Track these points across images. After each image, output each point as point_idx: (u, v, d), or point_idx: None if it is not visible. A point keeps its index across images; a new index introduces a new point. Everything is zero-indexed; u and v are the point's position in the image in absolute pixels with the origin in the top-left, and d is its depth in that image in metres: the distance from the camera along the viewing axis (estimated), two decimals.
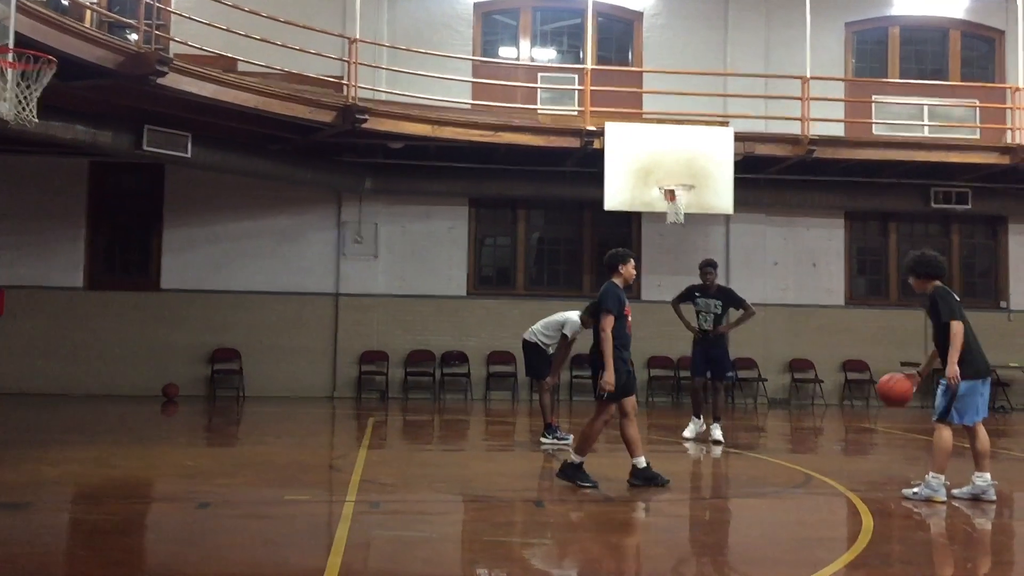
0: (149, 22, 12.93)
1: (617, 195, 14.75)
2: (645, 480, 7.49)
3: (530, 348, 10.37)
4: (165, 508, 6.90)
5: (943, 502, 7.06)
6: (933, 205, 16.81)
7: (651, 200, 14.80)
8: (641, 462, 7.54)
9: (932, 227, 18.03)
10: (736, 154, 15.00)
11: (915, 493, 7.20)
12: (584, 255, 17.18)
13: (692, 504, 7.15)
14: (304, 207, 16.42)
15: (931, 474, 7.13)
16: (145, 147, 13.27)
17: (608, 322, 7.39)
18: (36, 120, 8.97)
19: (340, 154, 16.00)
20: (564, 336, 10.11)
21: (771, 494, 7.70)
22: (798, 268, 17.34)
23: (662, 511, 7.11)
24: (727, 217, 16.32)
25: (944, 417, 7.11)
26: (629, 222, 16.90)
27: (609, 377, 7.32)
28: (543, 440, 10.19)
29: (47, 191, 15.74)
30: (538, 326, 10.40)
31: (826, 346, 17.06)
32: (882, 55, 17.74)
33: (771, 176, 16.47)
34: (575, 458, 7.53)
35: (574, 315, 10.08)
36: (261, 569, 5.06)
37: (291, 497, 6.97)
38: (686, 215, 14.80)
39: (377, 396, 16.18)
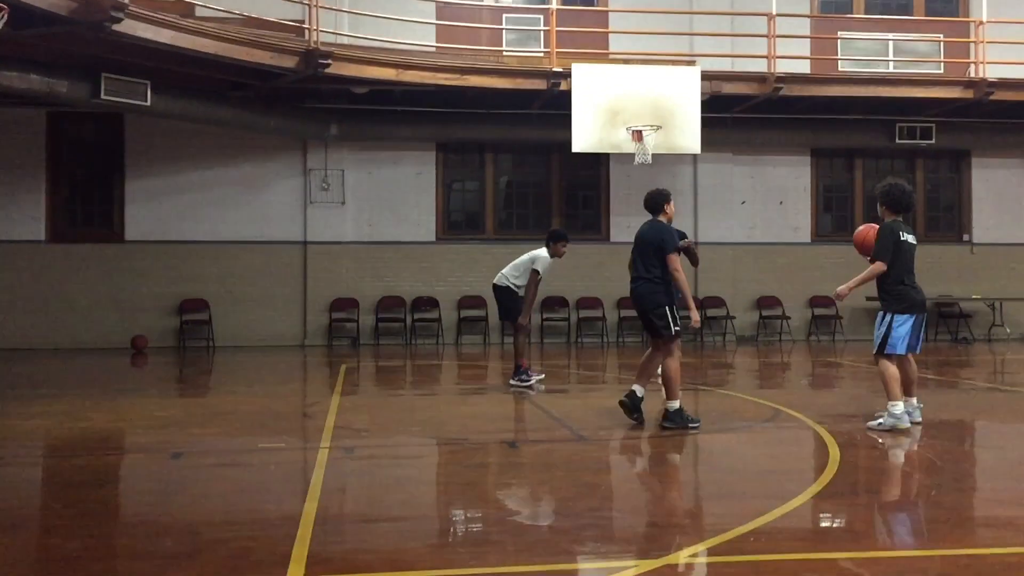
0: None
1: (585, 137, 14.70)
2: (678, 422, 7.43)
3: (502, 292, 10.42)
4: (138, 459, 6.89)
5: (906, 428, 7.28)
6: (898, 141, 16.92)
7: (619, 141, 14.77)
8: (675, 405, 7.50)
9: (897, 163, 18.16)
10: (703, 93, 14.98)
11: (879, 424, 7.39)
12: (553, 198, 17.16)
13: (663, 441, 7.26)
14: (269, 155, 16.22)
15: (889, 403, 7.34)
16: (103, 96, 13.01)
17: (676, 260, 7.53)
18: None
19: (304, 100, 15.77)
20: (535, 272, 10.12)
21: (740, 429, 7.82)
22: (765, 206, 17.43)
23: (634, 449, 7.21)
24: (694, 157, 16.36)
25: (882, 350, 7.37)
26: (597, 164, 16.88)
27: (695, 315, 7.73)
28: (512, 382, 10.26)
29: (4, 143, 15.44)
30: (507, 269, 10.47)
31: (793, 283, 17.26)
32: None
33: (738, 115, 16.46)
34: (673, 404, 7.48)
35: (542, 251, 10.16)
36: (237, 516, 5.08)
37: (265, 445, 6.99)
38: (654, 155, 14.81)
39: (348, 343, 16.19)
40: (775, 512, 4.94)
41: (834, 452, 6.54)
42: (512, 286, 10.35)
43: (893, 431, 7.25)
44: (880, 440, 7.09)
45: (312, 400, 10.12)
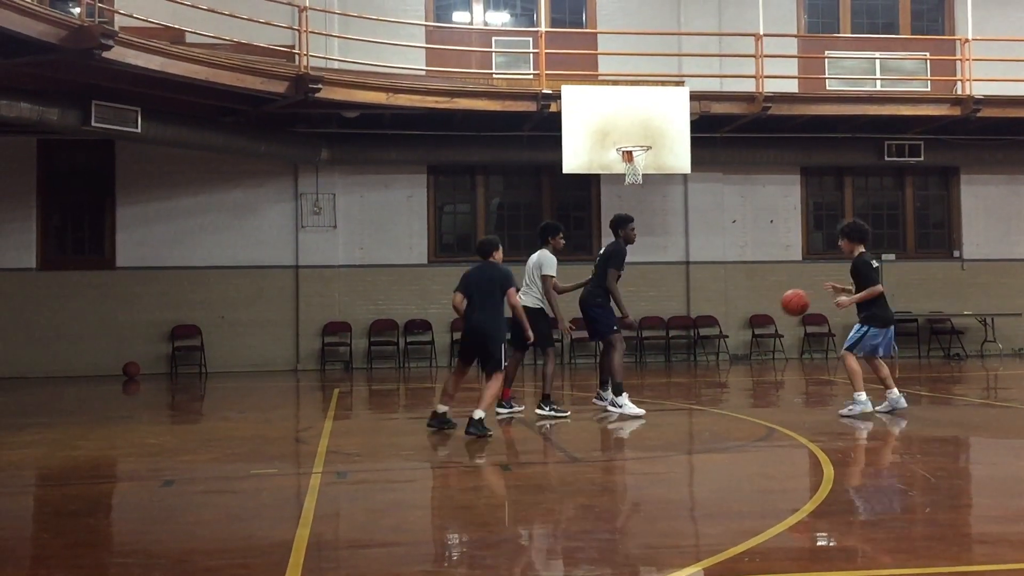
0: None
1: (575, 158, 14.75)
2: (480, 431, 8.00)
3: (533, 314, 9.30)
4: (129, 487, 6.85)
5: (872, 411, 8.95)
6: (887, 158, 17.01)
7: (609, 162, 14.82)
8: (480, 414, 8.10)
9: (886, 180, 18.26)
10: (692, 113, 15.05)
11: (849, 410, 8.95)
12: (544, 219, 17.14)
13: (657, 461, 7.23)
14: (260, 180, 16.23)
15: (856, 394, 9.02)
16: (93, 123, 13.01)
17: (513, 295, 8.40)
18: None
19: (294, 125, 15.81)
20: (548, 278, 9.45)
21: (734, 448, 7.81)
22: (756, 225, 17.49)
23: (628, 470, 7.19)
24: (685, 176, 16.41)
25: (852, 349, 9.15)
26: (588, 184, 16.92)
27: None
28: (540, 411, 9.57)
29: None
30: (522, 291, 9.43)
31: None
32: (833, 10, 17.82)
33: (727, 134, 16.55)
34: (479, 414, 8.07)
35: (544, 253, 9.57)
36: (229, 543, 5.04)
37: (257, 471, 6.95)
38: (644, 175, 14.86)
39: (341, 367, 16.15)
40: (770, 531, 4.92)
41: (828, 470, 6.53)
42: (535, 304, 9.45)
43: (863, 415, 8.86)
44: (860, 427, 8.37)
45: (305, 425, 10.07)
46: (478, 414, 8.07)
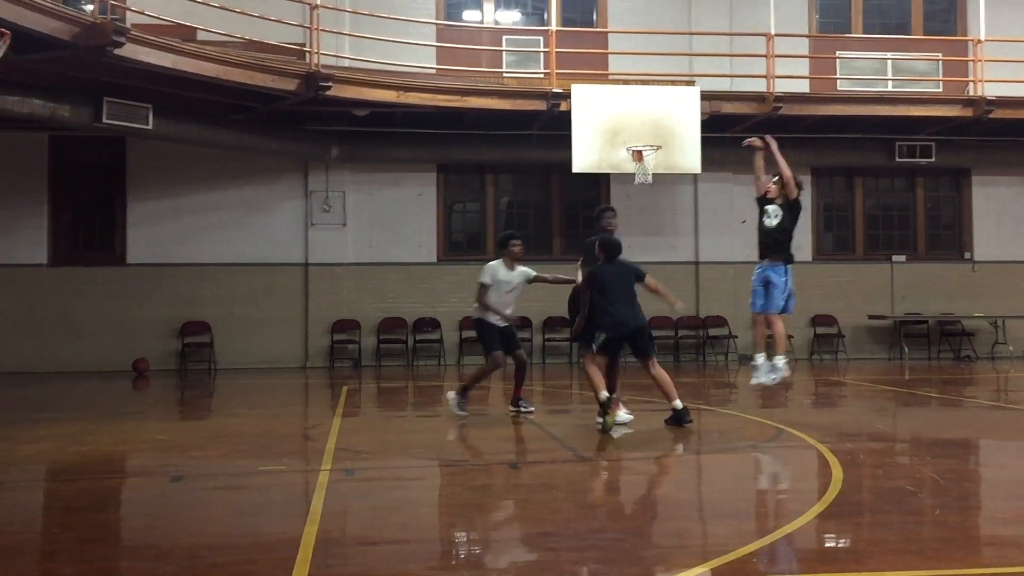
0: None
1: (585, 157, 14.73)
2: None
3: (475, 323, 9.65)
4: (139, 482, 6.87)
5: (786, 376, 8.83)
6: (898, 159, 16.95)
7: (619, 161, 14.80)
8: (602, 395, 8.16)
9: (897, 181, 18.20)
10: (702, 113, 15.02)
11: (773, 378, 8.67)
12: (553, 218, 17.18)
13: (666, 461, 7.23)
14: (271, 177, 16.26)
15: (779, 358, 8.71)
16: (105, 120, 13.05)
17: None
18: None
19: (305, 123, 15.84)
20: (481, 286, 9.39)
21: (743, 449, 7.79)
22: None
23: (636, 469, 7.19)
24: (695, 176, 16.38)
25: (783, 311, 8.75)
26: (598, 184, 16.90)
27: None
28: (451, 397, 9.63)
29: (6, 167, 15.48)
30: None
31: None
32: (845, 10, 17.76)
33: (738, 134, 16.46)
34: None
35: (489, 265, 9.53)
36: (237, 540, 5.06)
37: (265, 468, 6.97)
38: (654, 175, 14.83)
39: (350, 364, 16.17)
40: (778, 532, 4.91)
41: (837, 472, 6.51)
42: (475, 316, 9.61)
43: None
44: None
45: (313, 422, 10.10)
46: (678, 404, 8.36)
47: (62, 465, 7.39)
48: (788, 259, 8.68)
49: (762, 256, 8.75)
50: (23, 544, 5.05)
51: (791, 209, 8.67)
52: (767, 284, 8.61)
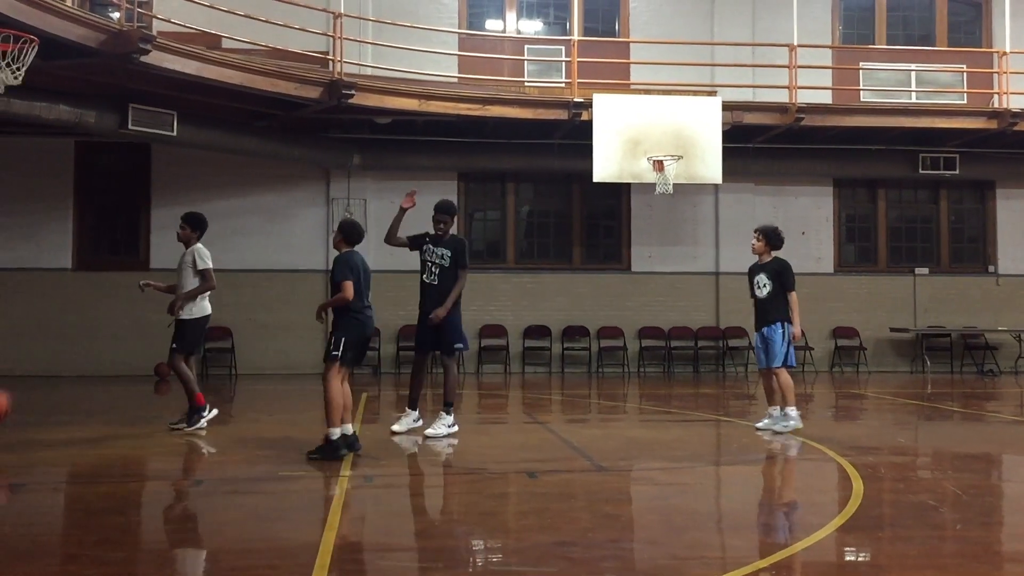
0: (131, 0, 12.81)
1: (606, 167, 14.74)
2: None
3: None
4: (159, 486, 6.92)
5: (800, 428, 8.82)
6: (921, 171, 16.84)
7: (640, 171, 14.80)
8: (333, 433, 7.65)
9: (920, 193, 18.09)
10: (724, 123, 14.99)
11: (785, 426, 8.79)
12: (574, 227, 17.17)
13: (684, 472, 7.20)
14: (293, 184, 16.35)
15: (789, 409, 8.88)
16: (130, 126, 13.19)
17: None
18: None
19: (327, 130, 15.92)
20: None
21: (762, 461, 7.75)
22: (787, 236, 17.17)
23: (654, 480, 7.16)
24: (716, 187, 16.34)
25: (784, 363, 8.89)
26: (618, 193, 16.90)
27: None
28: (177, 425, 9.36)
29: (33, 172, 15.65)
30: None
31: (816, 313, 17.10)
32: (869, 21, 17.69)
33: (759, 145, 16.46)
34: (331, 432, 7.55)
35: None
36: (256, 545, 5.08)
37: (285, 473, 7.00)
38: (675, 185, 14.81)
39: (369, 371, 16.21)
40: (797, 545, 4.89)
41: (857, 485, 6.47)
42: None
43: (795, 431, 8.76)
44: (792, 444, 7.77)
45: None
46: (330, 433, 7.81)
47: (83, 468, 7.45)
48: (781, 317, 9.00)
49: (758, 326, 9.15)
50: (45, 546, 5.09)
51: (778, 275, 9.11)
52: (766, 342, 9.02)
